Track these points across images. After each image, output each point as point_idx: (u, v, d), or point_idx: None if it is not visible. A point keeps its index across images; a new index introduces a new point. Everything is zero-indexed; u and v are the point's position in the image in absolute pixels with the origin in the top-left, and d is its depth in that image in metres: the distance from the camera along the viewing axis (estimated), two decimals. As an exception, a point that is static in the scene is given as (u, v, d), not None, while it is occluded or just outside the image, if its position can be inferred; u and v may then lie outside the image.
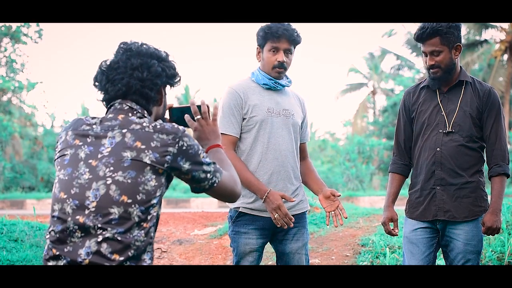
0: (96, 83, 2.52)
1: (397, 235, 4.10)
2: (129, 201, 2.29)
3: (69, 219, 2.31)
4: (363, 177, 27.31)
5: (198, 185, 2.48)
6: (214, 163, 2.49)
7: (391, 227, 4.04)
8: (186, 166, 2.40)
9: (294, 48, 3.89)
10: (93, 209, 2.29)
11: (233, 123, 3.77)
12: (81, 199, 2.31)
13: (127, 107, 2.46)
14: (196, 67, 73.66)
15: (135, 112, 2.46)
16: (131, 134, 2.36)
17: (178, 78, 2.60)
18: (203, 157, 2.45)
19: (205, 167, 2.45)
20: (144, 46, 2.52)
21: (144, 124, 2.38)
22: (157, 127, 2.38)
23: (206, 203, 20.46)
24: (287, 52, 3.84)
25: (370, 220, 9.11)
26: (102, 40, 73.07)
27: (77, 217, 2.30)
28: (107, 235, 2.27)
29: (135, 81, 2.45)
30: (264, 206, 3.74)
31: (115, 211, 2.28)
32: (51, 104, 45.82)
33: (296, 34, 3.83)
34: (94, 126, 2.43)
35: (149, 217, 2.35)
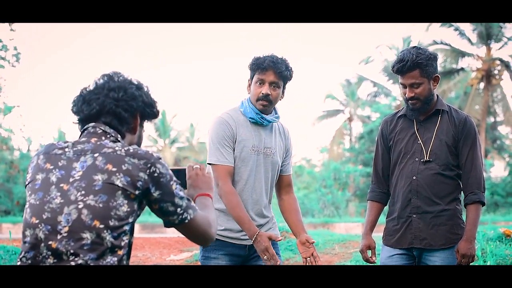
0: (74, 108, 2.48)
1: (375, 263, 4.08)
2: (101, 226, 2.23)
3: (42, 244, 2.25)
4: (339, 203, 27.31)
5: (167, 218, 2.39)
6: (188, 199, 2.42)
7: (369, 255, 4.04)
8: (155, 194, 2.33)
9: (284, 83, 3.80)
10: (65, 234, 2.23)
11: (228, 153, 3.71)
12: (53, 224, 2.25)
13: (101, 130, 2.42)
14: (196, 67, 72.94)
15: (108, 135, 2.41)
16: (102, 157, 2.31)
17: (156, 110, 2.55)
18: (175, 188, 2.37)
19: (176, 200, 2.37)
20: (126, 76, 2.51)
21: (117, 148, 2.33)
22: (130, 151, 2.33)
23: (182, 228, 20.29)
24: (273, 85, 3.74)
25: (346, 247, 9.11)
26: (102, 40, 72.22)
27: (50, 242, 2.24)
28: (80, 261, 2.21)
29: (109, 100, 2.41)
30: (233, 235, 3.77)
31: (87, 236, 2.22)
32: (27, 128, 45.49)
33: (284, 68, 3.74)
34: (66, 150, 2.38)
35: (122, 244, 2.29)
